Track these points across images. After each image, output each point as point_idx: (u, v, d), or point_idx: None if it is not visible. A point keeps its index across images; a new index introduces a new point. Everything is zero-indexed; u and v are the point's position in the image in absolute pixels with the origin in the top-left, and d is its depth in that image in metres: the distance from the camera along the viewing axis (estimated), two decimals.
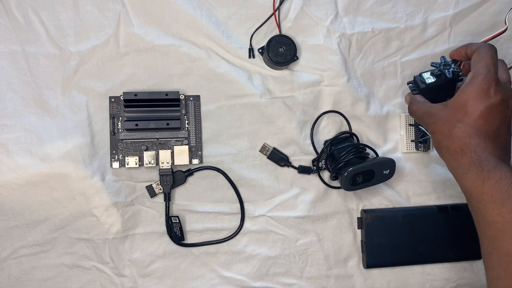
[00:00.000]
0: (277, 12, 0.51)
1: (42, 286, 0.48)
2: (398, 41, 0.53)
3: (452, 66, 0.45)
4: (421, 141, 0.53)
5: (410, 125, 0.53)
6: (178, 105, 0.49)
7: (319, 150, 0.52)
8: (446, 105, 0.43)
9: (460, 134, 0.40)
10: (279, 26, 0.51)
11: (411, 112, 0.46)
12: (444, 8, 0.53)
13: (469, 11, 0.53)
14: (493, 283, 0.38)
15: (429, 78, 0.46)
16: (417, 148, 0.53)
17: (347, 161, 0.48)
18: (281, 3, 0.51)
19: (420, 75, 0.46)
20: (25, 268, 0.48)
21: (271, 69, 0.52)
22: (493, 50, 0.43)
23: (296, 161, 0.52)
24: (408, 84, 0.48)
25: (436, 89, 0.46)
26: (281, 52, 0.49)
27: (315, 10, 0.52)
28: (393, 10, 0.53)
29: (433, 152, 0.54)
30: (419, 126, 0.52)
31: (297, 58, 0.51)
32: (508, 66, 0.52)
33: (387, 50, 0.53)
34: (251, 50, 0.51)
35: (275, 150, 0.51)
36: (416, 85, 0.47)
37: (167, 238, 0.50)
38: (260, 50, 0.51)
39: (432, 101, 0.45)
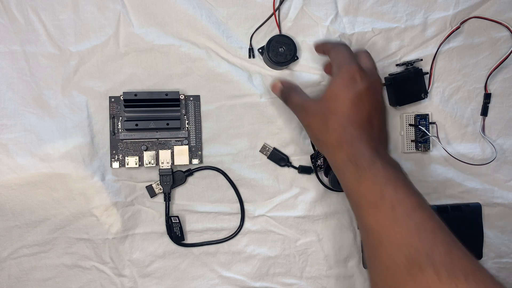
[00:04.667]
0: (277, 12, 0.51)
1: (42, 286, 0.48)
2: (398, 41, 0.53)
3: None
4: (421, 141, 0.53)
5: (410, 125, 0.53)
6: (178, 105, 0.49)
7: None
8: (320, 97, 0.42)
9: (335, 126, 0.40)
10: (279, 26, 0.51)
11: (288, 101, 0.46)
12: (444, 8, 0.53)
13: (469, 11, 0.53)
14: None
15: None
16: (417, 148, 0.53)
17: None
18: (281, 3, 0.51)
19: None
20: (25, 268, 0.48)
21: (271, 69, 0.52)
22: (346, 45, 0.45)
23: (296, 161, 0.52)
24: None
25: None
26: (281, 52, 0.49)
27: (315, 10, 0.51)
28: (393, 10, 0.53)
29: (433, 152, 0.54)
30: (419, 126, 0.52)
31: (297, 58, 0.51)
32: (498, 63, 0.53)
33: (387, 50, 0.53)
34: (251, 50, 0.51)
35: (275, 150, 0.51)
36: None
37: (167, 238, 0.50)
38: (260, 50, 0.51)
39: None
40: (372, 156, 0.37)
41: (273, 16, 0.51)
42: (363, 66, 0.42)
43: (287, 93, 0.46)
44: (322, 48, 0.47)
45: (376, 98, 0.41)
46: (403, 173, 0.38)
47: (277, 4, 0.51)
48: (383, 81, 0.53)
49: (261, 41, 0.51)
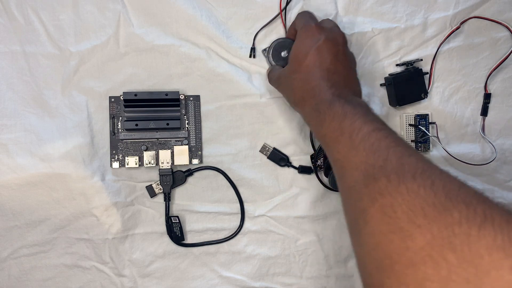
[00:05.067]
0: (283, 12, 0.50)
1: (42, 286, 0.48)
2: (398, 41, 0.53)
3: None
4: (421, 141, 0.53)
5: (410, 125, 0.53)
6: (178, 105, 0.49)
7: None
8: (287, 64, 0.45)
9: (298, 84, 0.42)
10: (285, 26, 0.51)
11: (269, 80, 0.49)
12: (444, 8, 0.53)
13: (469, 11, 0.53)
14: (346, 218, 0.38)
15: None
16: (417, 148, 0.53)
17: None
18: (287, 3, 0.51)
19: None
20: (25, 268, 0.48)
21: None
22: (307, 11, 0.48)
23: (296, 161, 0.52)
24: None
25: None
26: (283, 56, 0.48)
27: (315, 10, 0.51)
28: (393, 10, 0.53)
29: (433, 152, 0.54)
30: (419, 126, 0.52)
31: None
32: (498, 63, 0.53)
33: (387, 50, 0.53)
34: (253, 49, 0.51)
35: (275, 150, 0.51)
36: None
37: (167, 238, 0.50)
38: (264, 51, 0.51)
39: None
40: (332, 100, 0.40)
41: (279, 16, 0.50)
42: (324, 26, 0.44)
43: (268, 76, 0.49)
44: (292, 30, 0.48)
45: (337, 48, 0.43)
46: (364, 108, 0.39)
47: (283, 5, 0.50)
48: (383, 81, 0.53)
49: (261, 41, 0.51)
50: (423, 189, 0.28)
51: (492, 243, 0.23)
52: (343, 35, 0.44)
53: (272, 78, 0.48)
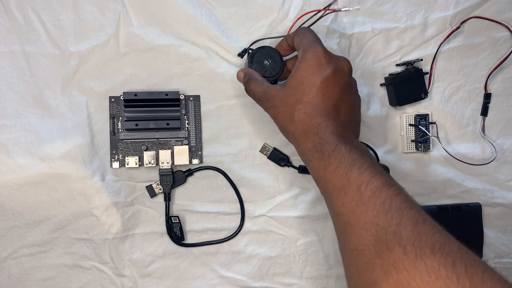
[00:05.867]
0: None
1: (42, 286, 0.48)
2: (398, 41, 0.53)
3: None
4: (421, 141, 0.53)
5: (410, 125, 0.53)
6: (178, 105, 0.49)
7: None
8: (284, 85, 0.41)
9: (301, 116, 0.39)
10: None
11: (248, 91, 0.44)
12: (444, 8, 0.53)
13: (469, 11, 0.53)
14: (349, 283, 0.34)
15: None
16: (417, 148, 0.53)
17: None
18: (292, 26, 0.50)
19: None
20: (25, 268, 0.48)
21: None
22: (310, 29, 0.43)
23: (296, 161, 0.52)
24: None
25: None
26: (265, 64, 0.46)
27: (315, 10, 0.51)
28: (393, 10, 0.53)
29: (433, 152, 0.54)
30: (419, 126, 0.52)
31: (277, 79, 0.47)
32: (498, 63, 0.53)
33: (387, 50, 0.53)
34: (246, 51, 0.50)
35: (275, 150, 0.51)
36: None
37: (167, 238, 0.50)
38: (250, 51, 0.49)
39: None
40: (337, 142, 0.37)
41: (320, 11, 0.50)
42: (331, 53, 0.41)
43: (246, 82, 0.44)
44: (285, 43, 0.45)
45: (344, 81, 0.40)
46: (370, 156, 0.37)
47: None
48: (383, 81, 0.53)
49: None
50: (444, 269, 0.26)
51: None
52: (348, 63, 0.41)
53: (256, 92, 0.43)
